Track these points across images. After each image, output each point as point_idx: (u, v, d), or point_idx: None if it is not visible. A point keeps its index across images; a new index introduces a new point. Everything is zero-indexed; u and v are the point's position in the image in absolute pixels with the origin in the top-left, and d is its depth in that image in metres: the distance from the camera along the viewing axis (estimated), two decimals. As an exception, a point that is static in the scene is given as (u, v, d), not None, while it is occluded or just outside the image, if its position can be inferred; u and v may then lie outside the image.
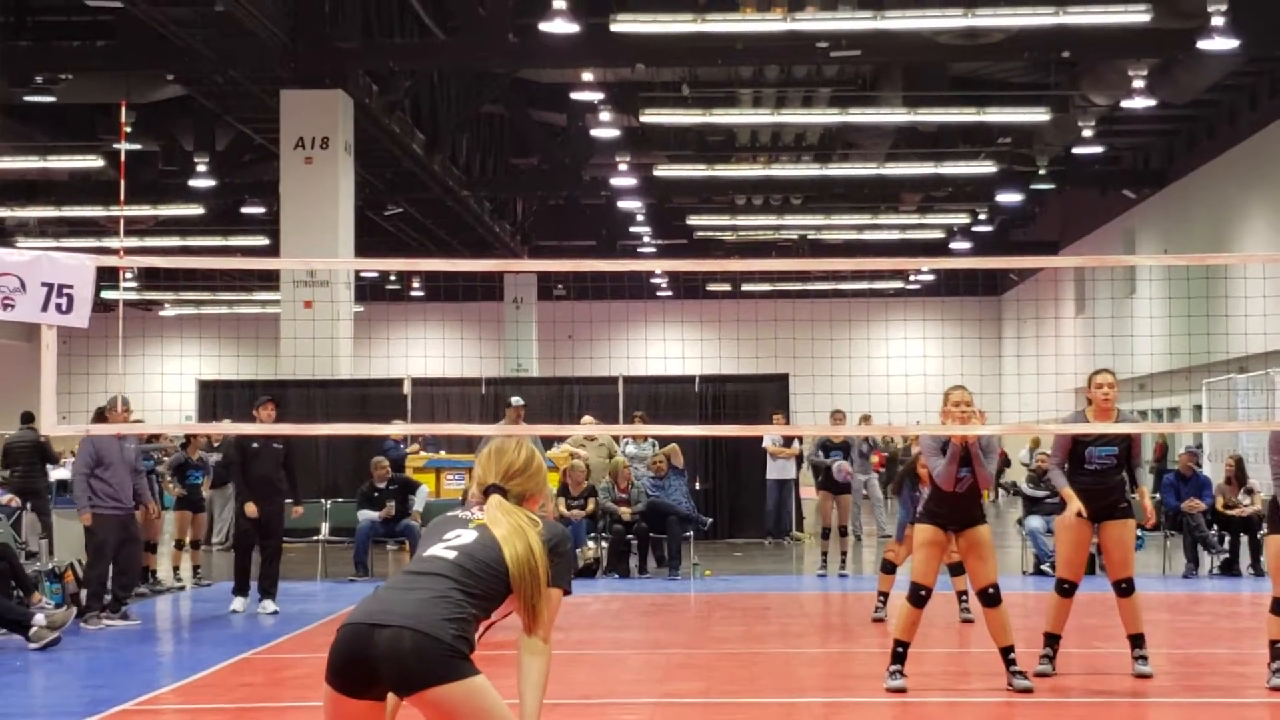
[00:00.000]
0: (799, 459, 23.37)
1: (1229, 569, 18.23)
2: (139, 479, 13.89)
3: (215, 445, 17.92)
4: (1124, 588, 10.04)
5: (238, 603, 14.75)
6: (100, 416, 13.85)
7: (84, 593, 13.67)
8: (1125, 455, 10.12)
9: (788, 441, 22.06)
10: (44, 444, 19.66)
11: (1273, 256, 22.06)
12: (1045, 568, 18.11)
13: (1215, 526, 18.27)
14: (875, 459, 24.61)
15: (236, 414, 20.93)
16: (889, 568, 13.41)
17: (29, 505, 16.65)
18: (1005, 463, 32.80)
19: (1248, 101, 30.81)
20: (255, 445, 14.69)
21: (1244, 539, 18.16)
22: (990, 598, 9.67)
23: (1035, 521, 18.12)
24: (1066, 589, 10.13)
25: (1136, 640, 10.14)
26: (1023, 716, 9.24)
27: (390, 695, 4.77)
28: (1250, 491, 18.17)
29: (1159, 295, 32.91)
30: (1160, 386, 34.15)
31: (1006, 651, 9.70)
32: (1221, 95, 31.08)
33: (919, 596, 9.68)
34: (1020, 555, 18.94)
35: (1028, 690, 9.56)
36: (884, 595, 13.43)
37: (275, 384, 23.91)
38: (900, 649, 9.71)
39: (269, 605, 14.62)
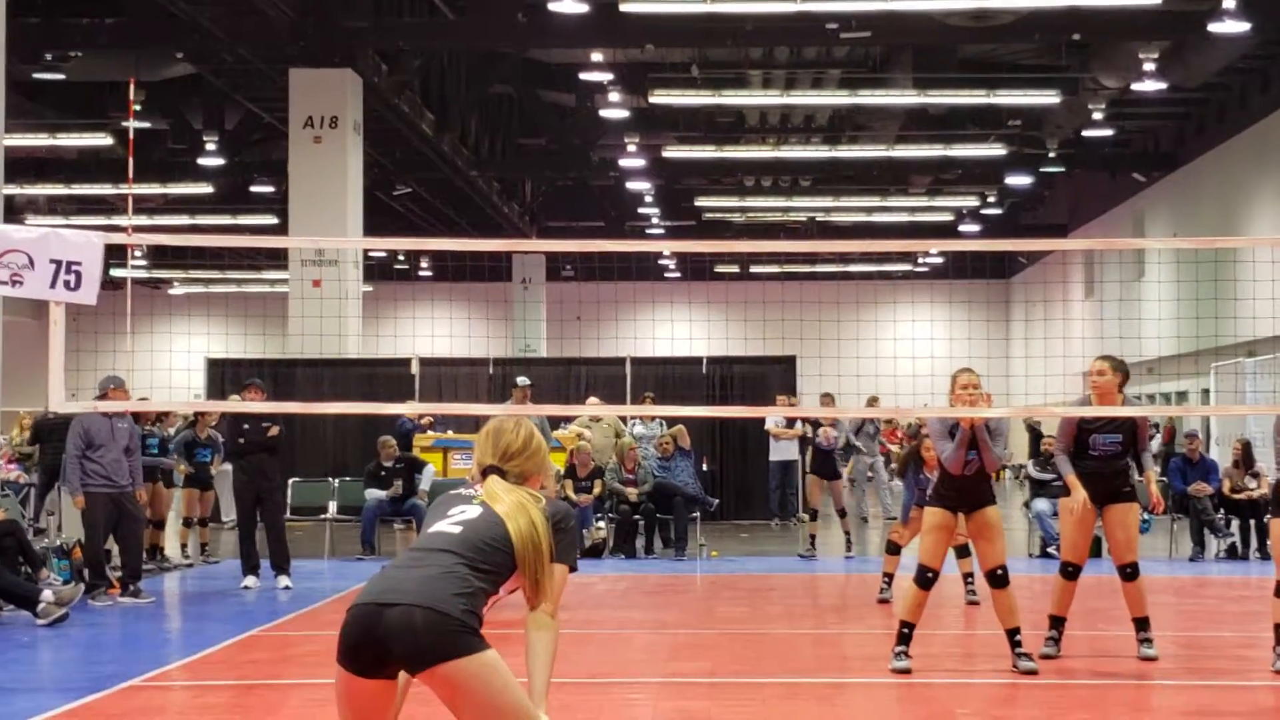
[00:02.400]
0: (803, 440, 23.40)
1: (1235, 553, 18.24)
2: (133, 460, 13.88)
3: (215, 424, 17.97)
4: (1128, 572, 10.05)
5: (250, 580, 14.82)
6: (101, 398, 13.87)
7: (87, 572, 13.72)
8: (1130, 441, 10.12)
9: (790, 423, 22.08)
10: None
11: (1282, 240, 22.02)
12: (1052, 550, 18.12)
13: (1222, 510, 18.28)
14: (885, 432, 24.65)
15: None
16: (894, 549, 13.43)
17: (56, 484, 16.62)
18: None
19: (1259, 84, 30.72)
20: (245, 425, 14.74)
21: (1250, 523, 18.16)
22: (998, 579, 9.68)
23: (1042, 504, 18.13)
24: (1071, 572, 10.15)
25: (1141, 624, 10.15)
26: (1028, 698, 9.26)
27: (400, 676, 4.79)
28: (1256, 475, 18.16)
29: (1168, 278, 32.86)
30: (1168, 370, 34.11)
31: (1013, 633, 9.72)
32: (1232, 78, 30.99)
33: (925, 578, 9.70)
34: (1026, 538, 18.96)
35: (1033, 672, 9.58)
36: (889, 576, 13.45)
37: (283, 363, 23.97)
38: (905, 630, 9.74)
39: (283, 580, 14.71)
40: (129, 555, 13.88)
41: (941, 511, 9.80)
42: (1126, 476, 10.20)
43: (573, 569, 5.02)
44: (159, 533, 16.86)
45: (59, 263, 8.92)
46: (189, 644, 11.34)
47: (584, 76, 29.38)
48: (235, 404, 15.13)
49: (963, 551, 12.94)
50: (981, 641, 11.31)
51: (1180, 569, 17.15)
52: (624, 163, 35.04)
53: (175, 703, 9.29)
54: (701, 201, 41.42)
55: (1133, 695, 9.42)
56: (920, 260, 50.84)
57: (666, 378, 24.08)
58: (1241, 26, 22.50)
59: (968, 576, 13.25)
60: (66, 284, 8.89)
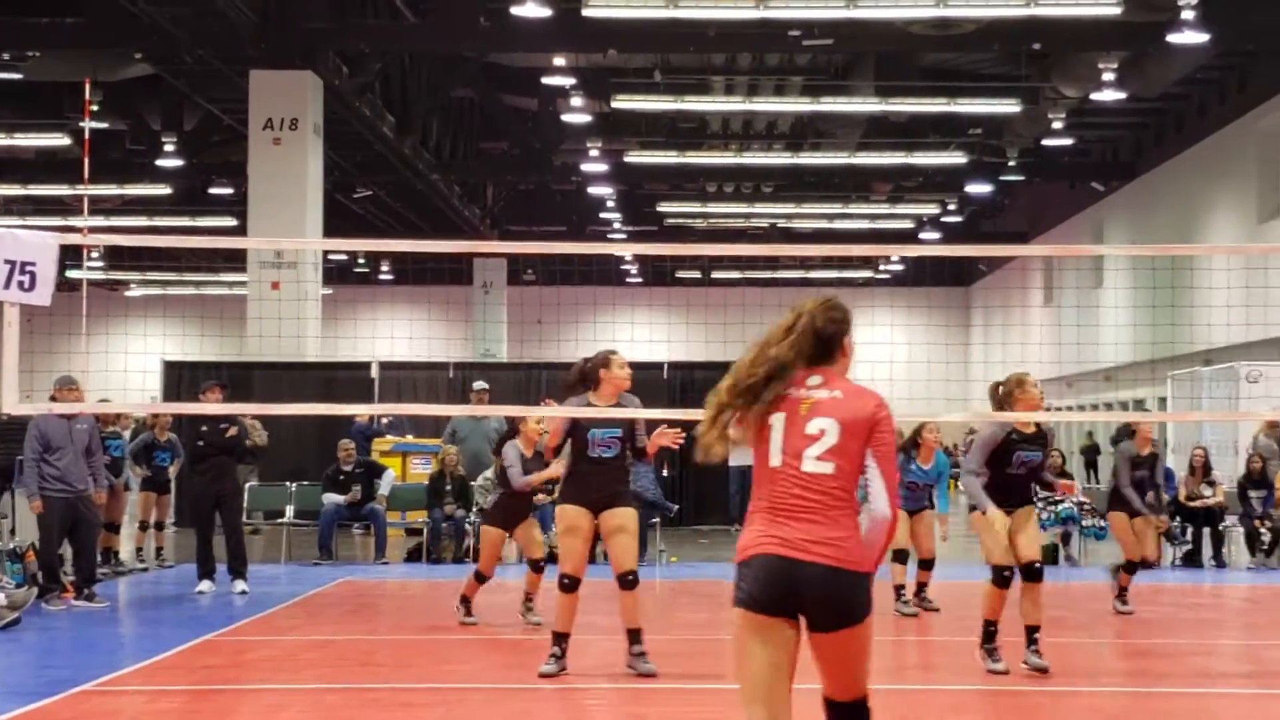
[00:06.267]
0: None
1: (1191, 560, 18.32)
2: (94, 461, 13.77)
3: (173, 427, 17.80)
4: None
5: (204, 585, 14.69)
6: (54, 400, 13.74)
7: (40, 575, 13.60)
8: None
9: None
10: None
11: (1239, 249, 22.17)
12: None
13: (1178, 518, 18.35)
14: None
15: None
16: (901, 557, 13.19)
17: (11, 486, 16.41)
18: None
19: (1216, 95, 30.93)
20: (204, 428, 14.65)
21: (1206, 530, 18.25)
22: (1034, 573, 9.84)
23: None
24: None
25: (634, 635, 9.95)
26: (987, 706, 9.27)
27: None
28: (1213, 484, 18.26)
29: (1125, 287, 33.04)
30: (1126, 378, 34.31)
31: (1031, 630, 9.86)
32: (1190, 89, 31.19)
33: (1003, 578, 9.88)
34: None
35: (1042, 670, 9.61)
36: (901, 588, 13.07)
37: (241, 366, 23.82)
38: (992, 629, 9.92)
39: (239, 585, 14.60)
40: (83, 559, 13.75)
41: (1000, 510, 9.89)
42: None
43: None
44: (114, 536, 16.71)
45: (13, 263, 8.84)
46: (143, 649, 11.25)
47: (546, 81, 29.31)
48: (195, 405, 15.04)
49: (901, 557, 12.94)
50: (939, 649, 11.31)
51: (1137, 576, 17.19)
52: (586, 167, 35.03)
53: (128, 708, 9.20)
54: (663, 207, 41.45)
55: (1088, 702, 9.43)
56: (881, 267, 51.00)
57: (627, 383, 23.99)
58: (1200, 38, 22.65)
59: (899, 589, 13.03)
60: (21, 285, 8.81)
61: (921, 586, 13.25)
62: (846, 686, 4.99)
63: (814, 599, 4.83)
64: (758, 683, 4.91)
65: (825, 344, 5.14)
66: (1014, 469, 9.93)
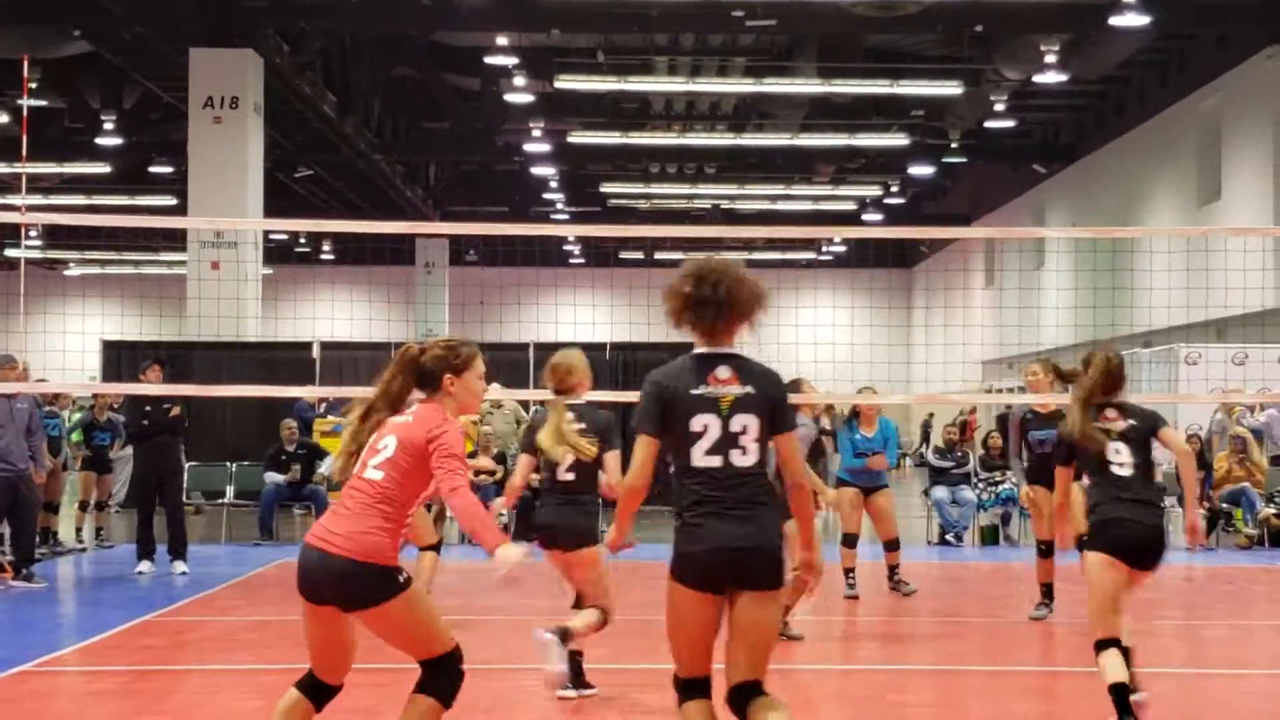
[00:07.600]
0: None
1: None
2: (34, 440, 13.64)
3: (114, 407, 17.65)
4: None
5: (144, 565, 14.60)
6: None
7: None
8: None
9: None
10: None
11: (1179, 230, 22.31)
12: (949, 538, 18.30)
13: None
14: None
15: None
16: (850, 541, 12.88)
17: None
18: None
19: (1157, 79, 31.14)
20: (148, 408, 14.54)
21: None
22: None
23: (940, 492, 18.29)
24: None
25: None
26: (932, 682, 9.32)
27: None
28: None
29: (1066, 269, 33.22)
30: (1066, 359, 34.50)
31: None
32: (1131, 72, 31.39)
33: (1039, 549, 11.48)
34: (925, 525, 19.10)
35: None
36: (850, 571, 12.84)
37: (181, 345, 23.66)
38: (1046, 587, 11.52)
39: (179, 566, 14.52)
40: (22, 539, 13.63)
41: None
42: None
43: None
44: (52, 516, 16.57)
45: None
46: (82, 629, 11.18)
47: (489, 60, 29.18)
48: (135, 385, 14.92)
49: (850, 541, 12.86)
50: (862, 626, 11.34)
51: (1072, 557, 17.31)
52: (528, 148, 34.93)
53: (67, 688, 9.14)
54: (606, 187, 41.40)
55: (1023, 681, 9.51)
56: (824, 249, 51.13)
57: (570, 363, 23.98)
58: (1141, 20, 22.81)
59: (848, 571, 12.97)
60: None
61: (893, 569, 12.88)
62: (413, 651, 5.89)
63: (329, 585, 5.66)
64: (311, 645, 6.03)
65: (426, 377, 5.89)
66: (1036, 449, 10.59)
